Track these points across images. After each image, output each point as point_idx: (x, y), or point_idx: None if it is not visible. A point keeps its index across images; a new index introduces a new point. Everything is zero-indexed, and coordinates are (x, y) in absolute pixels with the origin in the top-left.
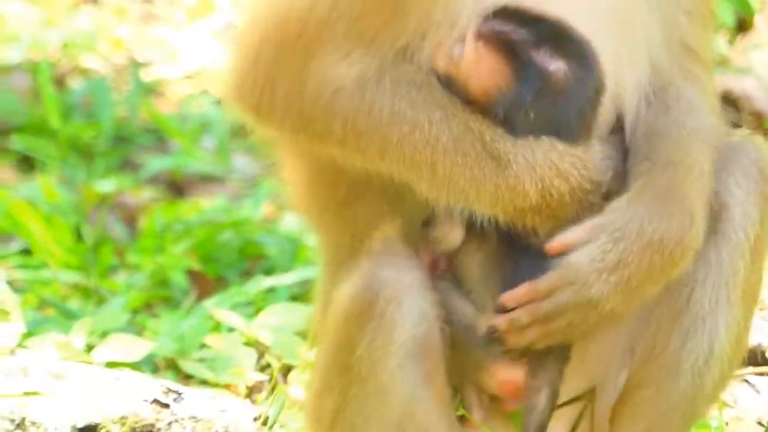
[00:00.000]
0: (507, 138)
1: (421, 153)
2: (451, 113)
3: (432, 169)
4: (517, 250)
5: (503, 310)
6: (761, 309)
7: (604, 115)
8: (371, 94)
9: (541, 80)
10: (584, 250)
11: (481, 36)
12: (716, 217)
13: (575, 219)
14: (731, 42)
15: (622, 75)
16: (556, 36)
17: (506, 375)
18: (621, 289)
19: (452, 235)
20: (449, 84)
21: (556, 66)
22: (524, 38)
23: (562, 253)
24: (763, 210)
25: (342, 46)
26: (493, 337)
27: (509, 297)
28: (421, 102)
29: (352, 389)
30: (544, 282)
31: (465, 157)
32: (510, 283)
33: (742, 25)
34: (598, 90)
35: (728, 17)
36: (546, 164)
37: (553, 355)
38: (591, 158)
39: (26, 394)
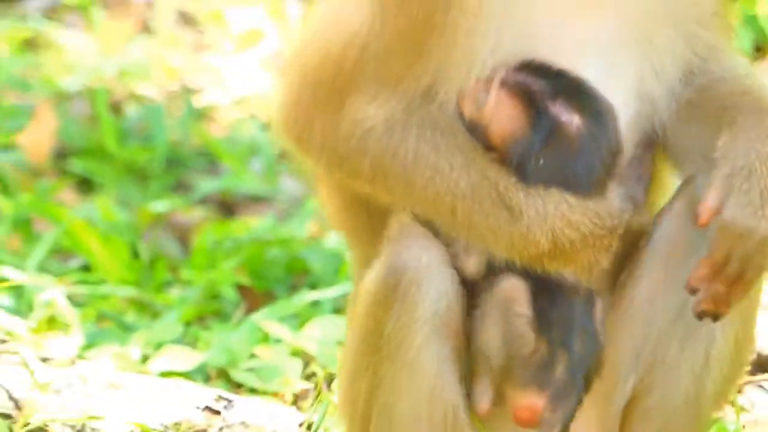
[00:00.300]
0: (520, 188)
1: (442, 197)
2: (471, 159)
3: (452, 213)
4: (540, 284)
5: (693, 291)
6: None
7: (628, 145)
8: (398, 136)
9: (552, 130)
10: (729, 203)
11: (504, 84)
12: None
13: (594, 262)
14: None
15: (650, 91)
16: (574, 91)
17: (528, 401)
18: None
19: (473, 266)
20: (473, 129)
21: (568, 118)
22: (542, 89)
23: (713, 218)
24: None
25: (372, 88)
26: (705, 316)
27: (696, 279)
28: (444, 146)
29: (382, 369)
30: (717, 251)
31: (481, 205)
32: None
33: (760, 50)
34: (611, 148)
35: (746, 43)
36: (556, 215)
37: (575, 392)
38: (604, 207)
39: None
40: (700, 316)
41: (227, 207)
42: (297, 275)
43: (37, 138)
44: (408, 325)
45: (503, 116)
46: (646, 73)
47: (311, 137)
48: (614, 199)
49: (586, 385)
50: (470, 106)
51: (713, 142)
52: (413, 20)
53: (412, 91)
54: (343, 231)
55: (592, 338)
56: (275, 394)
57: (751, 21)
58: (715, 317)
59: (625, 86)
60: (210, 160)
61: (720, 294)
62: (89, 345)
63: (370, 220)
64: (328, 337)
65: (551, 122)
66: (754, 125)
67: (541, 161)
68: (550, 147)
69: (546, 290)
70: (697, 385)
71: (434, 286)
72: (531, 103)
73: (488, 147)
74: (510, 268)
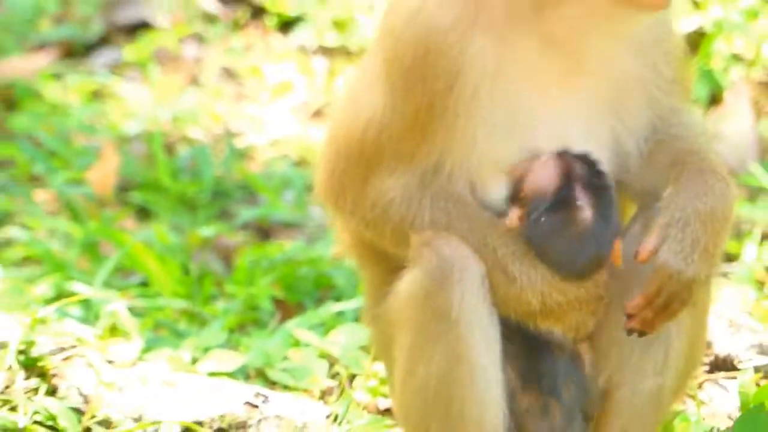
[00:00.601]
0: (516, 257)
1: None
2: (476, 227)
3: None
4: (535, 340)
5: (629, 315)
6: (731, 326)
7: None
8: (415, 206)
9: (568, 211)
10: (664, 248)
11: (558, 155)
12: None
13: (581, 324)
14: (704, 113)
15: (623, 147)
16: (601, 193)
17: None
18: (704, 259)
19: None
20: (514, 181)
21: (586, 213)
22: (581, 176)
23: (650, 258)
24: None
25: (390, 164)
26: (633, 333)
27: (632, 306)
28: (454, 214)
29: (458, 347)
30: (652, 286)
31: (484, 266)
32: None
33: (714, 100)
34: (606, 247)
35: (703, 93)
36: (545, 280)
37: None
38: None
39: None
40: (630, 332)
41: (264, 232)
42: (323, 289)
43: (103, 174)
44: (473, 302)
45: (541, 174)
46: (619, 134)
47: (344, 204)
48: (601, 272)
49: (586, 422)
50: (525, 165)
51: (664, 188)
52: (418, 106)
53: (425, 165)
54: (354, 259)
55: (581, 387)
56: (305, 391)
57: (707, 74)
58: (641, 334)
59: (602, 145)
60: (249, 192)
61: (648, 319)
62: (147, 349)
63: (380, 259)
64: (349, 342)
65: (570, 205)
66: (694, 184)
67: (546, 228)
68: (562, 222)
69: (534, 348)
70: (659, 381)
71: (477, 270)
72: (567, 179)
73: (517, 196)
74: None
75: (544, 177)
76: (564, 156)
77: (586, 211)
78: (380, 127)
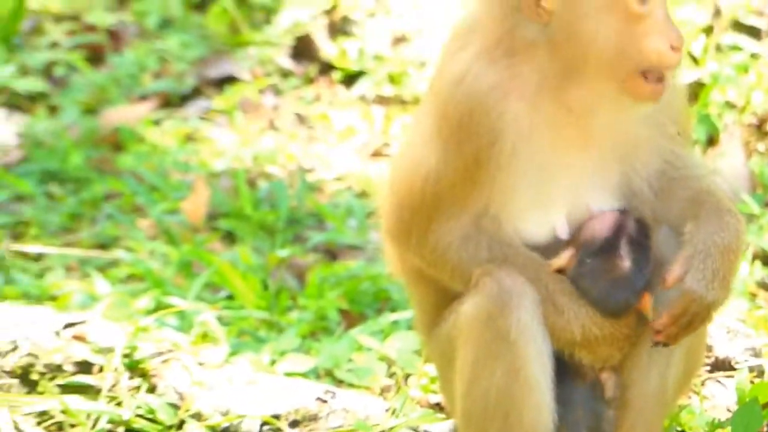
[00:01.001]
0: (565, 292)
1: None
2: (529, 264)
3: None
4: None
5: (657, 332)
6: (728, 332)
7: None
8: (472, 248)
9: (610, 258)
10: (689, 276)
11: (615, 211)
12: (659, 263)
13: (610, 357)
14: (704, 152)
15: (635, 190)
16: (641, 250)
17: None
18: (722, 287)
19: None
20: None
21: (625, 263)
22: (628, 232)
23: (676, 284)
24: None
25: (447, 210)
26: (659, 345)
27: (660, 324)
28: (508, 253)
29: (516, 363)
30: (677, 307)
31: (538, 294)
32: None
33: (711, 141)
34: (630, 300)
35: (702, 135)
36: (588, 317)
37: None
38: (624, 318)
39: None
40: (655, 345)
41: (331, 253)
42: (382, 301)
43: (195, 205)
44: (529, 323)
45: (597, 225)
46: (631, 180)
47: (408, 246)
48: (632, 317)
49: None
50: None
51: (678, 218)
52: (467, 159)
53: (477, 211)
54: (410, 283)
55: (599, 416)
56: (367, 388)
57: (705, 119)
58: (665, 345)
59: (615, 189)
60: (319, 220)
61: (672, 334)
62: (232, 353)
63: (433, 280)
64: (405, 346)
65: (614, 251)
66: (712, 221)
67: (590, 266)
68: (603, 266)
69: (558, 374)
70: (663, 381)
71: (533, 296)
72: (617, 232)
73: (570, 243)
74: None
75: (598, 227)
76: (620, 213)
77: (625, 260)
78: (437, 178)
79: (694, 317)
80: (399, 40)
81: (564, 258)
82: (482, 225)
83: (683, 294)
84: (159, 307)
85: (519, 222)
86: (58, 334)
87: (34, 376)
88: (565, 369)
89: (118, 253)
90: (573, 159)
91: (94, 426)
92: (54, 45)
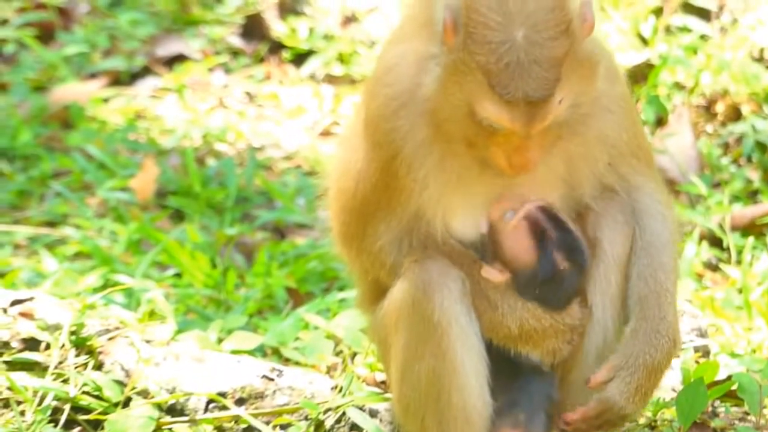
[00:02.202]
0: (498, 289)
1: None
2: (462, 261)
3: None
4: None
5: (566, 424)
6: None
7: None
8: (404, 249)
9: (552, 272)
10: (614, 386)
11: (527, 218)
12: (595, 245)
13: (557, 350)
14: (652, 132)
15: (580, 192)
16: (572, 246)
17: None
18: (641, 401)
19: None
20: (491, 233)
21: (564, 266)
22: (554, 239)
23: (598, 387)
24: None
25: (381, 215)
26: None
27: (570, 418)
28: (445, 252)
29: (442, 345)
30: (593, 410)
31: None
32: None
33: (660, 121)
34: (577, 289)
35: (650, 116)
36: (525, 310)
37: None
38: (564, 310)
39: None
40: None
41: (280, 232)
42: (330, 280)
43: (144, 183)
44: (452, 306)
45: (518, 245)
46: (569, 190)
47: (350, 249)
48: (575, 305)
49: (549, 419)
50: (498, 216)
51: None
52: (381, 165)
53: (407, 213)
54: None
55: (553, 400)
56: (313, 366)
57: (654, 100)
58: None
59: (560, 195)
60: (267, 198)
61: (579, 429)
62: (179, 331)
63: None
64: (351, 325)
65: (553, 267)
66: (647, 336)
67: (537, 291)
68: (545, 282)
69: (511, 367)
70: (599, 363)
71: (456, 277)
72: (543, 246)
73: (494, 254)
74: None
75: (522, 248)
76: (531, 219)
77: (567, 269)
78: (364, 179)
79: (605, 422)
80: (349, 20)
81: (498, 278)
82: (414, 226)
83: (603, 400)
84: (107, 284)
85: (450, 221)
86: (5, 311)
87: None
88: (519, 359)
89: (66, 231)
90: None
91: (40, 403)
92: (4, 22)
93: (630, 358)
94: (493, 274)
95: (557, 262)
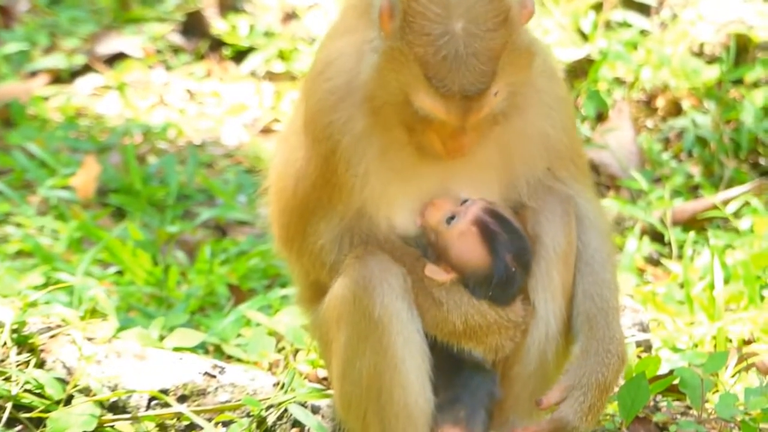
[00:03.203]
0: (442, 286)
1: None
2: (405, 259)
3: None
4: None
5: None
6: None
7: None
8: (345, 248)
9: (505, 274)
10: (566, 405)
11: (476, 223)
12: (535, 241)
13: (500, 347)
14: (593, 128)
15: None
16: (520, 246)
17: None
18: (593, 419)
19: None
20: (430, 237)
21: (514, 267)
22: (505, 243)
23: (549, 408)
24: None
25: (321, 213)
26: None
27: None
28: (387, 249)
29: (383, 341)
30: (545, 429)
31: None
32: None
33: (600, 116)
34: (515, 295)
35: (591, 111)
36: (469, 306)
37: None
38: (509, 306)
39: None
40: None
41: (221, 229)
42: (271, 277)
43: (85, 181)
44: (393, 302)
45: (469, 248)
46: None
47: (291, 248)
48: (518, 302)
49: (488, 416)
50: (437, 221)
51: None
52: (320, 159)
53: (348, 211)
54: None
55: (494, 397)
56: (255, 363)
57: (594, 95)
58: None
59: (498, 193)
60: (208, 196)
61: None
62: (121, 328)
63: None
64: (293, 321)
65: (504, 270)
66: (597, 355)
67: (490, 292)
68: (496, 284)
69: (453, 363)
70: (542, 357)
71: (397, 273)
72: (495, 251)
73: (438, 258)
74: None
75: (473, 253)
76: (481, 223)
77: (516, 271)
78: (304, 176)
79: None
80: (289, 17)
81: (444, 277)
82: (355, 224)
83: (556, 420)
84: (48, 282)
85: (391, 217)
86: None
87: None
88: (462, 356)
89: (7, 229)
90: (436, 166)
91: None
92: None
93: (582, 378)
94: (439, 273)
95: (509, 264)
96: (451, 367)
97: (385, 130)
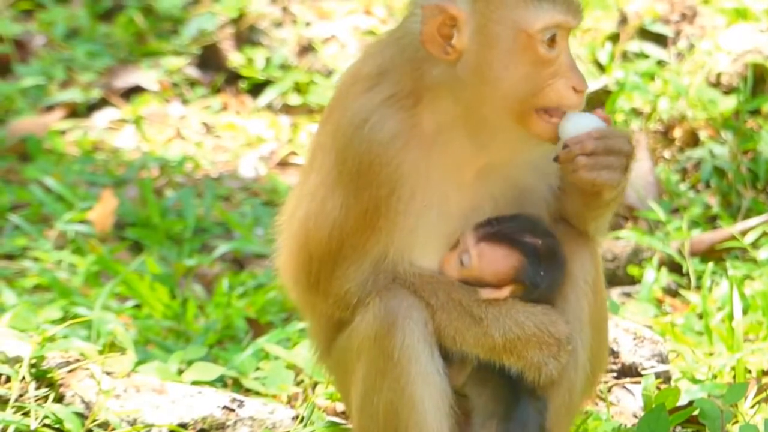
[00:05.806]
0: (481, 302)
1: None
2: (439, 287)
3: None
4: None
5: (565, 146)
6: (635, 338)
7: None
8: (367, 290)
9: (535, 253)
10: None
11: (480, 240)
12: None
13: (543, 365)
14: None
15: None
16: (531, 224)
17: None
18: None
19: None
20: (468, 282)
21: (537, 241)
22: (512, 229)
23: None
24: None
25: (350, 257)
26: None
27: (575, 141)
28: (417, 281)
29: (401, 382)
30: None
31: (450, 315)
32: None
33: None
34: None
35: None
36: (508, 316)
37: None
38: (550, 320)
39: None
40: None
41: (238, 262)
42: (289, 310)
43: (102, 214)
44: (413, 345)
45: (496, 260)
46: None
47: (318, 295)
48: (560, 318)
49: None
50: (456, 270)
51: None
52: (367, 206)
53: (375, 254)
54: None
55: (542, 428)
56: (274, 397)
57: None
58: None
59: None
60: (226, 229)
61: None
62: (140, 362)
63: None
64: (312, 355)
65: (533, 248)
66: None
67: (545, 276)
68: (542, 263)
69: (507, 393)
70: (571, 387)
71: (419, 317)
72: (512, 241)
73: (483, 286)
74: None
75: (500, 260)
76: (481, 238)
77: (540, 242)
78: (341, 225)
79: (608, 149)
80: (305, 50)
81: (502, 293)
82: (379, 266)
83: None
84: (66, 316)
85: (417, 257)
86: None
87: None
88: (516, 387)
89: (25, 264)
90: (464, 199)
91: None
92: None
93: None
94: (494, 292)
95: (530, 241)
96: (506, 396)
97: (442, 171)
